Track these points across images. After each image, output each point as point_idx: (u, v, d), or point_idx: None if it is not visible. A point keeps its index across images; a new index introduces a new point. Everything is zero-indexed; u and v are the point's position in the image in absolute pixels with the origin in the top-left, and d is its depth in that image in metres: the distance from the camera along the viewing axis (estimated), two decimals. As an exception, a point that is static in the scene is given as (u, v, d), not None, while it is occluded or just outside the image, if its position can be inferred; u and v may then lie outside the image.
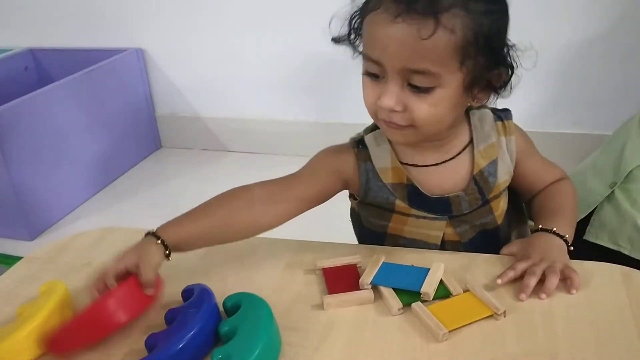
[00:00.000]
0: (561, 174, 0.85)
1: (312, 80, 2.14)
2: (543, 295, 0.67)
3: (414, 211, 0.78)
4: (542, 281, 0.68)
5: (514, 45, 0.71)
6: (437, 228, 0.79)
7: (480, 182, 0.78)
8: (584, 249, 0.80)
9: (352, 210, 0.89)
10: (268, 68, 2.19)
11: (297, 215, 0.79)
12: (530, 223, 0.86)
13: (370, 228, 0.83)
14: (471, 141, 0.79)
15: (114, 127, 2.20)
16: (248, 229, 0.77)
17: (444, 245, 0.81)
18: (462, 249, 0.81)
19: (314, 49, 2.00)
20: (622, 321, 0.63)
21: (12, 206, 1.80)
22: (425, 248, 0.80)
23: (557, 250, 0.73)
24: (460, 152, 0.78)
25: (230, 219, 0.75)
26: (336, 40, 0.74)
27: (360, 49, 0.72)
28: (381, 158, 0.78)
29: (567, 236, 0.74)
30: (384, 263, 0.73)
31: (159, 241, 0.70)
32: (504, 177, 0.80)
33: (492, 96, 0.73)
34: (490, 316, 0.65)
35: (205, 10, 2.16)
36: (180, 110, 2.38)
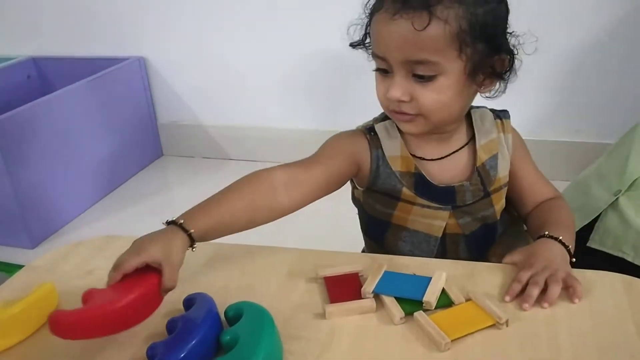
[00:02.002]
0: (556, 192, 0.88)
1: (312, 89, 2.15)
2: (545, 305, 0.67)
3: (419, 200, 0.81)
4: (544, 290, 0.68)
5: (513, 32, 0.76)
6: (440, 218, 0.81)
7: (482, 174, 0.82)
8: (587, 256, 0.80)
9: (357, 200, 0.90)
10: (269, 77, 2.20)
11: (316, 200, 0.80)
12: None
13: (375, 216, 0.85)
14: (473, 137, 0.83)
15: (116, 136, 2.20)
16: (272, 212, 0.77)
17: (445, 238, 0.83)
18: (463, 242, 0.83)
19: (314, 58, 2.02)
20: (624, 330, 0.63)
21: (13, 214, 1.80)
22: (426, 241, 0.82)
23: (560, 258, 0.73)
24: (463, 146, 0.82)
25: (254, 203, 0.76)
26: (353, 45, 0.80)
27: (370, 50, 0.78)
28: (391, 147, 0.82)
29: (570, 247, 0.75)
30: (385, 272, 0.73)
31: (186, 234, 0.68)
32: (503, 171, 0.83)
33: (499, 83, 0.77)
34: (493, 325, 0.64)
35: (207, 19, 2.17)
36: (182, 118, 2.39)
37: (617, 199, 1.03)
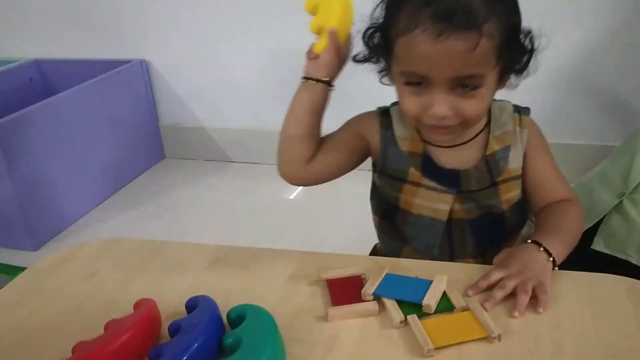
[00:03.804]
0: (572, 194, 0.86)
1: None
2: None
3: (425, 181, 0.82)
4: (512, 295, 0.68)
5: (529, 31, 0.77)
6: (445, 201, 0.82)
7: (490, 163, 0.83)
8: (591, 258, 0.80)
9: (374, 185, 0.92)
10: (270, 80, 2.19)
11: (332, 178, 0.87)
12: None
13: (388, 200, 0.87)
14: (486, 126, 0.84)
15: (118, 138, 2.20)
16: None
17: (451, 224, 0.83)
18: (469, 229, 0.84)
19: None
20: (629, 333, 0.63)
21: (16, 216, 1.80)
22: (432, 225, 0.83)
23: (538, 265, 0.72)
24: (475, 136, 0.83)
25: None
26: (358, 60, 0.81)
27: (382, 65, 0.80)
28: (402, 128, 0.84)
29: (555, 257, 0.73)
30: (387, 274, 0.72)
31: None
32: (515, 164, 0.83)
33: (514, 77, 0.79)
34: (486, 338, 0.63)
35: (209, 23, 2.17)
36: (184, 121, 2.39)
37: (621, 201, 1.03)
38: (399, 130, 0.84)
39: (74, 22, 2.32)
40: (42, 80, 2.40)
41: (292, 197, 2.06)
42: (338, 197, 1.98)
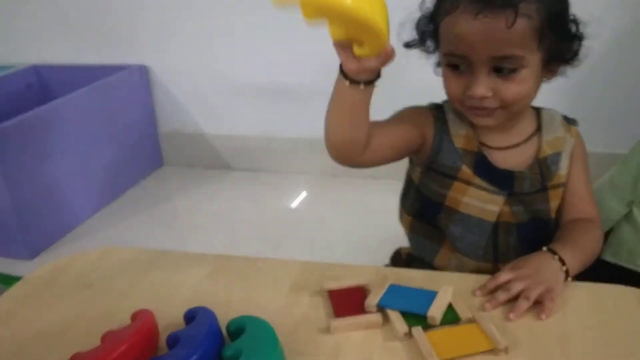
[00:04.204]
0: (597, 216, 0.86)
1: (315, 98, 2.14)
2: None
3: (477, 180, 0.82)
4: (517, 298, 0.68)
5: (578, 18, 0.79)
6: (495, 203, 0.82)
7: (543, 166, 0.83)
8: (601, 268, 0.79)
9: (412, 183, 0.89)
10: (270, 86, 2.20)
11: (384, 163, 0.83)
12: None
13: (430, 197, 0.85)
14: (537, 130, 0.85)
15: (117, 144, 2.20)
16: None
17: (498, 226, 0.82)
18: (515, 233, 0.83)
19: (315, 67, 2.01)
20: (638, 345, 0.62)
21: (12, 224, 1.79)
22: (479, 225, 0.82)
23: (550, 272, 0.72)
24: (528, 139, 0.84)
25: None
26: (408, 45, 0.82)
27: (430, 49, 0.81)
28: (457, 125, 0.84)
29: (569, 268, 0.73)
30: (391, 285, 0.71)
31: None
32: (564, 170, 0.84)
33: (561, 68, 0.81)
34: (492, 350, 0.62)
35: (208, 28, 2.17)
36: (183, 127, 2.39)
37: (630, 210, 1.02)
38: (454, 126, 0.84)
39: (72, 27, 2.32)
40: (41, 86, 2.39)
41: (293, 205, 2.06)
42: (341, 206, 1.98)
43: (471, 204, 0.82)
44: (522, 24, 0.71)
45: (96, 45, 2.32)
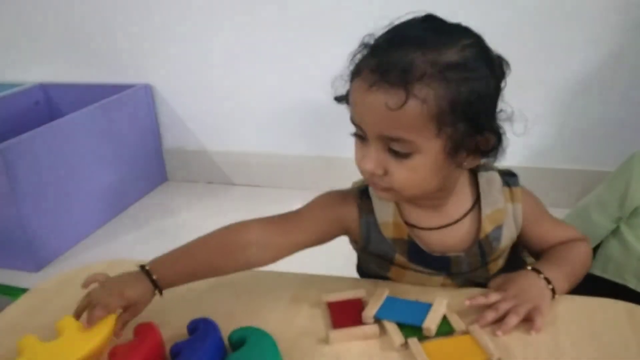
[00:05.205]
0: (577, 234, 0.82)
1: (316, 115, 2.17)
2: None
3: (413, 266, 0.78)
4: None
5: (500, 110, 0.70)
6: (434, 282, 0.79)
7: (484, 245, 0.77)
8: (589, 283, 0.80)
9: (358, 257, 0.89)
10: (273, 103, 2.22)
11: (292, 254, 0.79)
12: None
13: (370, 274, 0.83)
14: (475, 204, 0.77)
15: (122, 161, 2.22)
16: (241, 268, 0.77)
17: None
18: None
19: (316, 86, 2.04)
20: (628, 357, 0.63)
21: (18, 237, 1.80)
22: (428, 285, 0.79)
23: (536, 290, 0.71)
24: (464, 216, 0.77)
25: (225, 258, 0.76)
26: (338, 99, 0.74)
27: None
28: (383, 212, 0.77)
29: (555, 286, 0.72)
30: (388, 297, 0.73)
31: (150, 281, 0.71)
32: (506, 242, 0.78)
33: (482, 160, 0.72)
34: None
35: (212, 47, 2.20)
36: (187, 144, 2.41)
37: (618, 226, 1.03)
38: (380, 215, 0.77)
39: (79, 46, 2.35)
40: (48, 104, 2.42)
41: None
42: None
43: (412, 282, 0.79)
44: (414, 107, 0.63)
45: (102, 65, 2.34)
